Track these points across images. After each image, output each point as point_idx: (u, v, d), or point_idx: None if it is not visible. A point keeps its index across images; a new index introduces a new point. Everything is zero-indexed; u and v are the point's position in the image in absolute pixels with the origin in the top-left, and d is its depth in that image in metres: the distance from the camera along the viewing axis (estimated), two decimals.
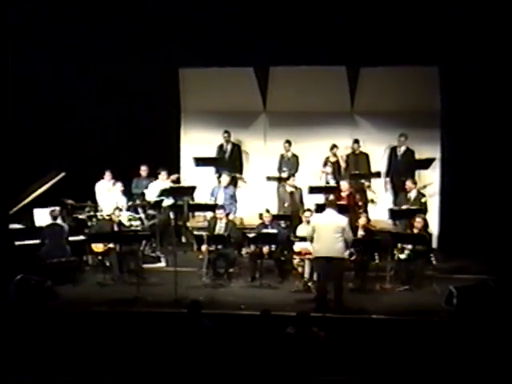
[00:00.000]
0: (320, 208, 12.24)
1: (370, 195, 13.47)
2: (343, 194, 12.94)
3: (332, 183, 13.70)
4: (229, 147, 14.47)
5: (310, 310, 10.21)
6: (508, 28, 12.70)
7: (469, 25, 12.88)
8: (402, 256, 11.50)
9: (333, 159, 14.00)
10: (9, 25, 9.59)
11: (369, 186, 13.63)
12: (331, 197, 12.55)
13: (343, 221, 10.55)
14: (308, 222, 11.67)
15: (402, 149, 13.87)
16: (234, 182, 14.24)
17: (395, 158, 13.94)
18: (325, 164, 14.00)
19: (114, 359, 8.94)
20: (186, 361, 8.24)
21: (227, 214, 12.73)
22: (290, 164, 14.09)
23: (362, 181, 13.63)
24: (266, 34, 13.54)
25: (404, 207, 12.54)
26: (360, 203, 13.03)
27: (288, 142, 14.12)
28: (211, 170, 14.33)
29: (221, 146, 14.46)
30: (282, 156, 14.21)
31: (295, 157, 14.17)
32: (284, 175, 13.77)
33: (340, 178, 13.66)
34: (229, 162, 14.34)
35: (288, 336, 8.44)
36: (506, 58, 12.96)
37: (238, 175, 14.42)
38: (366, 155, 14.02)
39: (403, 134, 13.77)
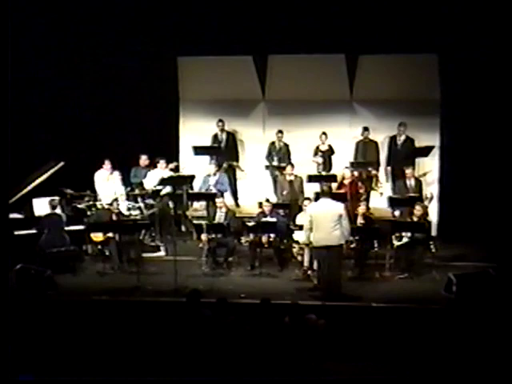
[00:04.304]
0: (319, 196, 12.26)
1: (378, 186, 13.51)
2: (346, 182, 12.92)
3: (323, 173, 13.64)
4: (224, 136, 14.41)
5: (310, 298, 10.27)
6: (507, 16, 12.66)
7: (468, 12, 12.84)
8: (398, 243, 11.47)
9: (323, 148, 13.98)
10: (9, 16, 9.56)
11: (375, 175, 13.61)
12: (326, 186, 12.62)
13: (339, 207, 10.54)
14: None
15: (402, 138, 13.82)
16: (232, 171, 14.28)
17: (395, 147, 13.90)
18: (315, 153, 13.97)
19: (114, 348, 8.97)
20: (185, 349, 8.26)
21: (222, 195, 12.86)
22: (281, 154, 14.07)
23: (370, 169, 13.61)
24: (265, 22, 13.51)
25: (406, 195, 12.55)
26: (361, 191, 12.99)
27: (280, 131, 14.09)
28: (210, 159, 14.29)
29: (215, 136, 14.41)
30: (273, 144, 14.17)
31: (286, 146, 14.13)
32: (275, 164, 13.80)
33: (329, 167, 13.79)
34: (225, 151, 14.32)
35: (286, 325, 8.48)
36: (506, 45, 12.93)
37: (234, 163, 14.41)
38: (375, 143, 13.95)
39: (402, 123, 13.73)
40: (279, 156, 14.03)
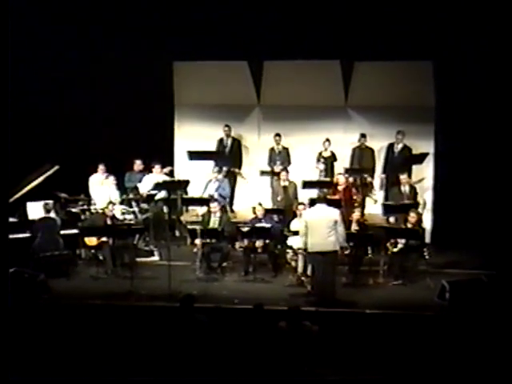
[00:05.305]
0: (313, 202, 12.25)
1: (373, 193, 13.53)
2: (339, 188, 12.93)
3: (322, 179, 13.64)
4: (229, 142, 14.42)
5: (304, 303, 10.26)
6: (502, 23, 12.72)
7: (462, 19, 12.89)
8: (394, 249, 11.48)
9: (326, 154, 13.98)
10: (8, 15, 9.56)
11: (371, 183, 13.63)
12: (324, 191, 12.63)
13: (335, 213, 10.57)
14: (301, 216, 11.67)
15: (400, 146, 13.83)
16: (232, 176, 14.26)
17: (392, 155, 13.92)
18: (318, 160, 13.96)
19: (108, 353, 8.95)
20: (179, 354, 8.25)
21: (224, 199, 13.02)
22: (282, 157, 14.09)
23: (365, 176, 13.63)
24: (261, 28, 13.52)
25: (400, 202, 12.56)
26: (355, 197, 13.00)
27: (278, 135, 14.10)
28: (205, 164, 14.27)
29: (221, 140, 14.41)
30: (273, 149, 14.19)
31: (285, 149, 14.15)
32: (278, 168, 13.77)
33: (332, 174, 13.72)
34: (229, 157, 14.32)
35: (280, 330, 8.46)
36: (500, 52, 12.98)
37: (236, 170, 14.40)
38: (372, 150, 13.97)
39: (401, 131, 13.72)
40: (281, 159, 14.03)
